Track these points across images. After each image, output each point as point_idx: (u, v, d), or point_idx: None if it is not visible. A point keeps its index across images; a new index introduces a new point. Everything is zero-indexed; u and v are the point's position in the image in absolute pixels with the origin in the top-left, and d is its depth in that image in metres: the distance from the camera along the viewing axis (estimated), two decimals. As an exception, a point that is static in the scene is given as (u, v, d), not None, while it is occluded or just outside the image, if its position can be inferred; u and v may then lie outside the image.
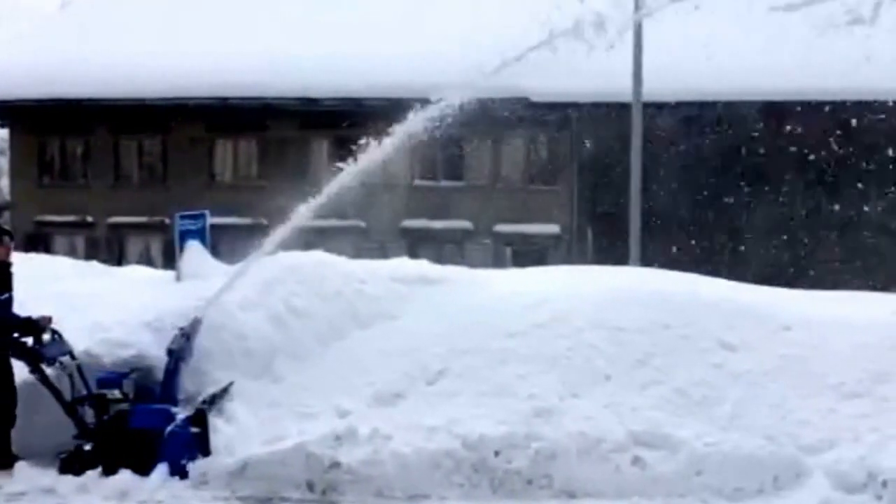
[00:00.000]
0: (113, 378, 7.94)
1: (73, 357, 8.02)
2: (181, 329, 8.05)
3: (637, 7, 11.34)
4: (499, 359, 8.17)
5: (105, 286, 10.14)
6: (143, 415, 7.71)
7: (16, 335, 7.88)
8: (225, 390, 8.04)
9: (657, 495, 7.22)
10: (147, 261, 24.35)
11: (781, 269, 21.28)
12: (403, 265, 10.14)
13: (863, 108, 21.99)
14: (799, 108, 22.39)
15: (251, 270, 8.48)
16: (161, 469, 7.51)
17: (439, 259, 13.04)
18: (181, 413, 7.70)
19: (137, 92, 25.51)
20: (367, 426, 7.57)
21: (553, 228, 25.01)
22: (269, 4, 27.44)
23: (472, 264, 13.40)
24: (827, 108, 21.96)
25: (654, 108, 21.12)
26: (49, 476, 7.59)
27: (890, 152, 22.60)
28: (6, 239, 8.24)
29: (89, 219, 26.75)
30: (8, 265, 8.16)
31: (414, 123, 7.78)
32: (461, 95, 7.66)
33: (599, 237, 24.15)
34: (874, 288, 12.49)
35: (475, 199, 24.85)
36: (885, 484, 7.12)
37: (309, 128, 25.97)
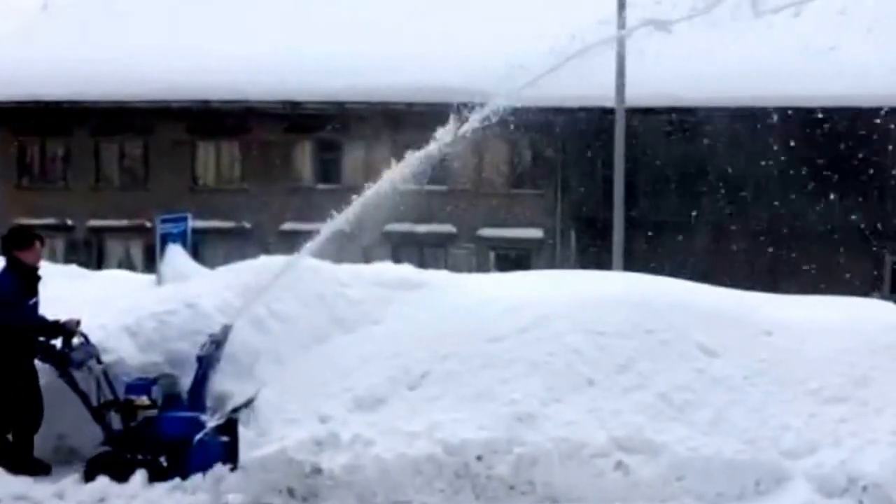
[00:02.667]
0: (142, 384, 7.84)
1: (99, 361, 7.94)
2: (210, 336, 7.95)
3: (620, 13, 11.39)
4: (481, 363, 8.14)
5: (85, 290, 10.07)
6: (173, 422, 7.62)
7: (43, 338, 7.80)
8: (252, 399, 7.93)
9: (639, 500, 7.21)
10: (127, 264, 24.29)
11: (763, 273, 21.37)
12: (386, 269, 10.11)
13: (840, 114, 22.14)
14: (780, 114, 22.51)
15: (285, 277, 8.43)
16: (141, 474, 7.46)
17: (422, 263, 13.05)
18: (211, 421, 7.63)
19: (118, 94, 25.43)
20: (349, 431, 7.53)
21: (537, 233, 25.05)
22: (251, 7, 27.38)
23: (456, 268, 13.40)
24: (808, 114, 22.09)
25: (638, 114, 21.20)
26: (24, 482, 7.51)
27: (867, 158, 22.75)
28: (37, 243, 8.19)
29: (69, 221, 26.63)
30: (36, 269, 8.11)
31: (452, 131, 7.75)
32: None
33: (583, 241, 24.21)
34: (851, 293, 12.54)
35: (459, 203, 24.87)
36: (865, 489, 7.15)
37: (292, 131, 25.92)
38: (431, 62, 23.83)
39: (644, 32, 7.40)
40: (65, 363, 7.75)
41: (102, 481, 7.41)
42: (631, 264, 18.44)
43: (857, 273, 21.83)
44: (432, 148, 7.82)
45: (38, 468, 7.75)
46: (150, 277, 10.80)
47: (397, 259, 13.63)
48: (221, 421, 7.65)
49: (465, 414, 7.67)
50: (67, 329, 7.81)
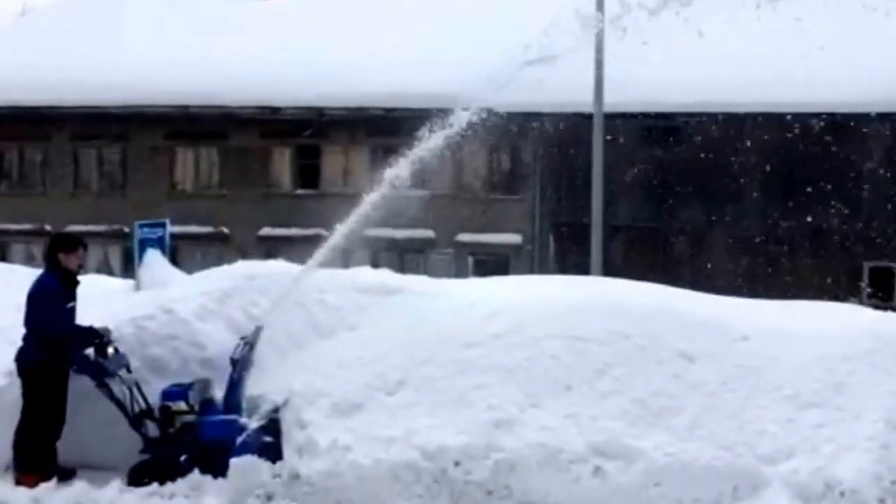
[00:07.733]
0: (178, 390, 7.81)
1: (129, 370, 7.90)
2: (243, 338, 7.97)
3: (598, 19, 11.39)
4: (458, 369, 8.13)
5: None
6: (213, 426, 7.60)
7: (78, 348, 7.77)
8: (288, 400, 7.90)
9: (616, 506, 7.22)
10: (106, 270, 24.15)
11: (741, 279, 21.48)
12: (364, 274, 10.09)
13: (818, 120, 22.29)
14: (758, 120, 22.66)
15: (307, 278, 8.47)
16: (117, 480, 7.42)
17: (401, 268, 13.03)
18: (251, 423, 7.61)
19: (97, 99, 25.34)
20: (326, 437, 7.52)
21: (515, 238, 25.08)
22: (228, 13, 27.34)
23: (435, 273, 13.39)
24: (786, 120, 22.23)
25: (616, 119, 21.28)
26: (2, 489, 7.46)
27: (845, 164, 22.90)
28: (81, 249, 8.20)
29: (47, 227, 26.41)
30: (76, 274, 8.12)
31: (442, 136, 7.82)
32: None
33: (561, 247, 24.27)
34: (829, 298, 12.62)
35: (437, 208, 24.85)
36: (842, 494, 7.17)
37: (270, 137, 25.88)
38: (410, 68, 23.84)
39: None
40: (101, 373, 7.71)
41: (79, 486, 7.38)
42: (609, 270, 18.50)
43: (834, 278, 21.98)
44: (432, 147, 7.88)
45: (64, 473, 7.68)
46: (129, 283, 10.75)
47: (376, 264, 13.61)
48: (264, 422, 7.63)
49: (442, 420, 7.67)
50: (102, 338, 7.77)
